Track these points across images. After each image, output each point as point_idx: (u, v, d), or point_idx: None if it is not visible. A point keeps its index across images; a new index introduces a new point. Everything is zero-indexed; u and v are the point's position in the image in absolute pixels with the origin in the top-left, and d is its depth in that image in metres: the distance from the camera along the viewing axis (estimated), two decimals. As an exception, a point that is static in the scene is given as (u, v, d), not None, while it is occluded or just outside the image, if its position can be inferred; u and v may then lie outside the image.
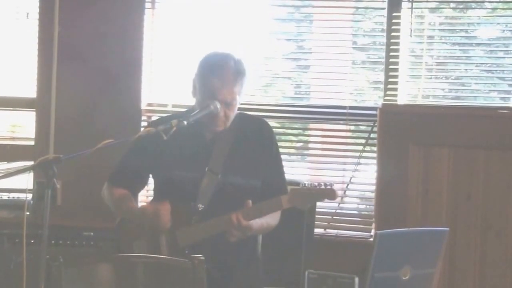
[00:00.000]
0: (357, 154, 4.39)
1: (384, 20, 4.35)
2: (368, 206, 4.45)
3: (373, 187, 4.31)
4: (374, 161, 4.30)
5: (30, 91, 4.68)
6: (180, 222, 2.88)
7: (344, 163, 4.46)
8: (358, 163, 4.38)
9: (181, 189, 2.92)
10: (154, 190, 3.17)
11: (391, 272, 2.47)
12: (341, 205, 4.40)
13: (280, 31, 4.71)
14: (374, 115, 4.30)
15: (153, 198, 3.14)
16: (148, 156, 2.96)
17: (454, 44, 4.48)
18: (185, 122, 2.70)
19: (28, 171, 2.44)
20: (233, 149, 2.97)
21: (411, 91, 4.38)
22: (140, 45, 4.56)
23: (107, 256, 3.02)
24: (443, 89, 4.50)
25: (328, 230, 4.35)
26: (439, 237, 2.66)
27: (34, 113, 4.65)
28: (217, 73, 2.85)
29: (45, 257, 2.32)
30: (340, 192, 4.14)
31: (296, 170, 4.56)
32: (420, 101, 4.37)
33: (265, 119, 3.26)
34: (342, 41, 4.53)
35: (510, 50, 4.38)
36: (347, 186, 4.40)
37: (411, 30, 4.31)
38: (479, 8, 4.45)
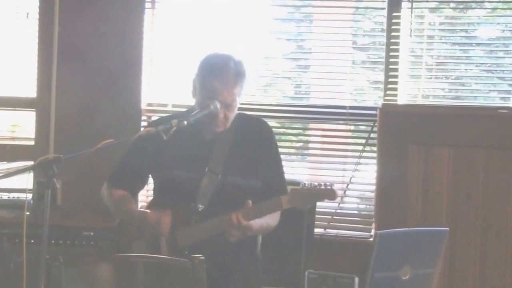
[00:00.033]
0: (357, 154, 4.39)
1: (384, 20, 4.35)
2: (368, 206, 4.45)
3: (373, 187, 4.31)
4: (374, 161, 4.30)
5: (30, 91, 4.68)
6: (180, 222, 2.88)
7: (344, 163, 4.46)
8: (358, 163, 4.38)
9: (181, 189, 2.92)
10: (154, 190, 3.16)
11: (391, 272, 2.47)
12: (341, 205, 4.40)
13: (280, 31, 4.71)
14: (374, 115, 4.30)
15: (153, 198, 3.13)
16: (148, 156, 2.95)
17: (454, 44, 4.48)
18: (185, 122, 2.70)
19: (28, 171, 2.44)
20: (233, 149, 2.96)
21: (411, 91, 4.38)
22: (140, 45, 4.56)
23: (107, 256, 3.02)
24: (443, 89, 4.50)
25: (328, 230, 4.35)
26: (439, 237, 2.66)
27: (34, 113, 4.65)
28: (218, 75, 2.84)
29: (45, 257, 2.32)
30: (340, 192, 4.13)
31: (296, 170, 4.56)
32: (420, 101, 4.37)
33: (265, 119, 3.26)
34: (342, 41, 4.53)
35: (510, 50, 4.38)
36: (347, 186, 4.40)
37: (411, 30, 4.30)
38: (479, 8, 4.45)
